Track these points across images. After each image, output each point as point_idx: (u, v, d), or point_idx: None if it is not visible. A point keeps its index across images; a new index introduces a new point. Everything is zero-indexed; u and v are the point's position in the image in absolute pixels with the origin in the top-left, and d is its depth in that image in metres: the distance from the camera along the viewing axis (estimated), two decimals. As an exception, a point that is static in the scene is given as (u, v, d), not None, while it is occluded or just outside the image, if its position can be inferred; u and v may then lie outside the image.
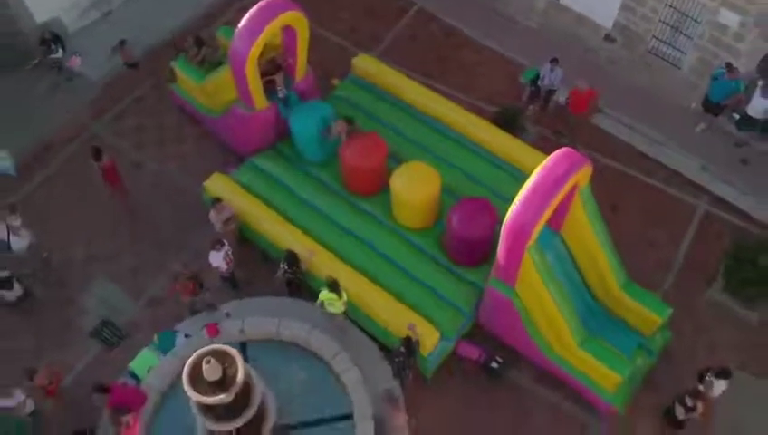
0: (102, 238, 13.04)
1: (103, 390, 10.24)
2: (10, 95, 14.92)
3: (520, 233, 9.61)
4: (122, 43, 14.66)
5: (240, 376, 8.53)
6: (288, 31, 12.72)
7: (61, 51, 15.07)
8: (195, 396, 8.43)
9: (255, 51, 12.01)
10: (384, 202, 12.57)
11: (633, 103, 14.51)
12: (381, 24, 16.24)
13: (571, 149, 9.77)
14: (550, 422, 11.18)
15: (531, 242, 9.72)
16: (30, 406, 10.57)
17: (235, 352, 8.67)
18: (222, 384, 8.45)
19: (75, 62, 15.14)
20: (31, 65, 15.40)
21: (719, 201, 13.41)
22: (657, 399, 11.07)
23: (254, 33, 11.94)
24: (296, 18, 12.27)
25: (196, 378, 8.46)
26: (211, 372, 8.37)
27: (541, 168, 9.52)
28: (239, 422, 9.01)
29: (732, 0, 12.46)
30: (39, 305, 12.30)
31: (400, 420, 10.26)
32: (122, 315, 12.23)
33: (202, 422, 9.21)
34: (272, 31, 12.16)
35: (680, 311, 11.80)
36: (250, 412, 9.07)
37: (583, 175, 9.76)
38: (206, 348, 8.65)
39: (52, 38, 15.01)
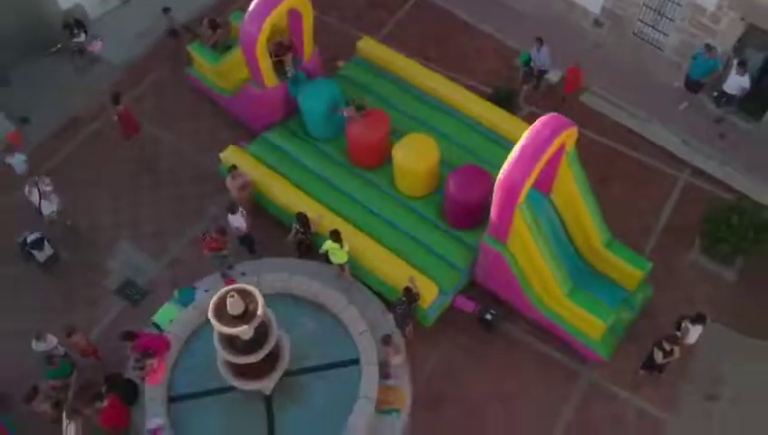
0: (125, 205, 14.15)
1: (130, 337, 11.34)
2: (36, 77, 16.08)
3: (511, 190, 10.68)
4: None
5: (260, 311, 9.62)
6: (294, 14, 13.81)
7: (83, 35, 16.23)
8: (219, 327, 9.51)
9: (264, 33, 13.08)
10: (387, 173, 13.66)
11: (620, 83, 15.61)
12: (384, 11, 17.37)
13: (558, 114, 10.86)
14: (540, 370, 12.24)
15: (521, 199, 10.80)
16: (60, 350, 11.61)
17: (256, 290, 9.76)
18: (243, 317, 9.54)
19: (97, 46, 16.28)
20: (54, 49, 16.54)
21: (699, 173, 14.48)
22: (639, 348, 12.12)
23: (262, 16, 13.00)
24: (301, 1, 13.37)
25: (221, 312, 9.55)
26: (234, 306, 9.46)
27: (529, 130, 10.61)
28: (257, 357, 10.10)
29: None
30: (66, 266, 13.39)
31: (399, 360, 11.34)
32: (144, 275, 13.32)
33: (222, 357, 10.30)
34: (279, 14, 13.21)
35: (661, 271, 12.92)
36: (267, 348, 10.16)
37: (569, 136, 10.84)
38: (230, 287, 9.74)
39: (75, 23, 16.18)
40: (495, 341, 12.52)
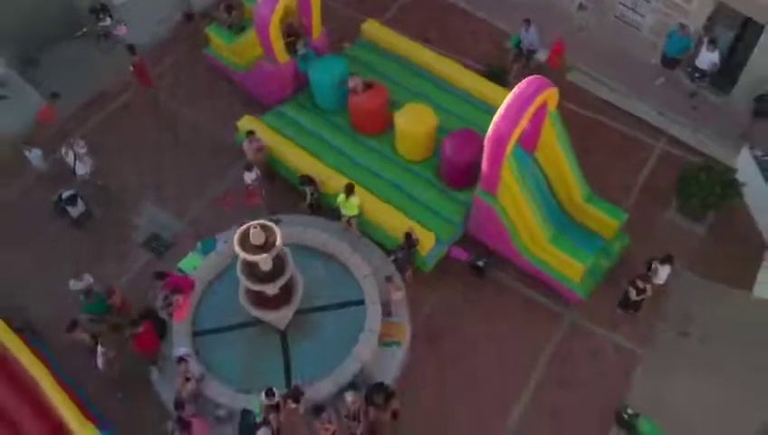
0: (150, 170, 15.65)
1: (161, 276, 12.80)
2: (65, 58, 17.60)
3: (499, 142, 12.17)
4: None
5: (278, 243, 11.09)
6: (303, -5, 15.38)
7: (108, 20, 17.77)
8: (243, 255, 10.98)
9: (277, 14, 14.57)
10: (388, 141, 15.16)
11: (603, 62, 17.15)
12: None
13: (540, 76, 12.37)
14: (527, 312, 13.68)
15: (508, 151, 12.29)
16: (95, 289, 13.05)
17: (275, 226, 11.23)
18: (264, 247, 11.01)
19: (122, 31, 17.75)
20: (81, 33, 18.11)
21: (674, 141, 15.99)
22: (617, 292, 13.54)
23: (274, -2, 14.57)
24: (307, -23, 14.95)
25: (245, 242, 11.02)
26: (257, 236, 10.94)
27: (515, 89, 12.12)
28: (275, 286, 11.56)
29: (681, -32, 15.22)
30: (97, 223, 14.84)
31: (399, 296, 12.79)
32: (168, 231, 14.79)
33: (244, 286, 11.76)
34: (289, -5, 14.77)
35: (639, 226, 14.38)
36: (283, 279, 11.62)
37: (550, 96, 12.33)
38: (253, 222, 11.21)
39: (101, 8, 17.75)
40: (487, 286, 13.96)
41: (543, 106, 12.51)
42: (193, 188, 15.38)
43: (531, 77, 12.28)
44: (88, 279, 12.89)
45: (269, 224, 11.22)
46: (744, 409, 12.48)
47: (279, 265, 11.59)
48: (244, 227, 11.09)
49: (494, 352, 13.24)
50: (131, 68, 16.16)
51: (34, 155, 15.21)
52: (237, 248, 10.98)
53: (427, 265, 13.80)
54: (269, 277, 11.46)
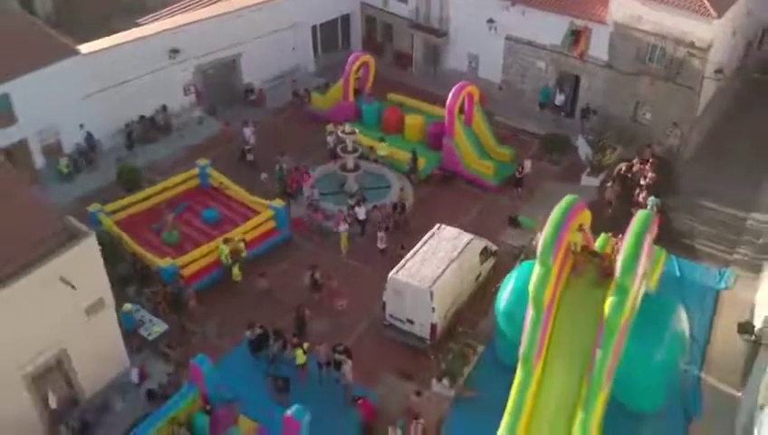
0: (278, 150, 32.10)
1: (298, 169, 28.86)
2: (231, 110, 35.01)
3: (451, 108, 28.94)
4: (294, 81, 35.46)
5: (357, 133, 27.63)
6: (365, 65, 33.24)
7: (252, 96, 35.55)
8: (341, 135, 27.49)
9: (353, 69, 32.35)
10: (401, 135, 32.00)
11: (511, 110, 34.45)
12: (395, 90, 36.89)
13: (467, 82, 29.58)
14: (467, 194, 29.42)
15: (455, 113, 29.01)
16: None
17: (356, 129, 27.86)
18: (351, 133, 27.49)
19: (263, 98, 35.46)
20: (246, 99, 35.78)
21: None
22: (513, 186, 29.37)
23: (351, 63, 32.44)
24: (367, 59, 32.90)
25: (343, 131, 27.55)
26: (348, 128, 27.47)
27: (453, 88, 29.20)
28: (352, 158, 27.89)
29: (537, 55, 33.15)
30: (256, 164, 30.95)
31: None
32: (292, 166, 30.92)
33: (341, 160, 28.01)
34: (359, 63, 32.61)
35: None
36: (356, 155, 27.93)
37: (471, 90, 29.35)
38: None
39: (250, 91, 35.72)
40: (450, 187, 29.85)
41: (471, 96, 29.56)
42: (300, 154, 31.72)
43: (460, 83, 29.53)
44: (265, 176, 29.00)
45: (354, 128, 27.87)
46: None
47: (355, 148, 27.93)
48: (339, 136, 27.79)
49: (451, 207, 28.67)
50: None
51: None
52: (341, 134, 27.50)
53: (422, 174, 29.90)
54: (350, 152, 27.76)
